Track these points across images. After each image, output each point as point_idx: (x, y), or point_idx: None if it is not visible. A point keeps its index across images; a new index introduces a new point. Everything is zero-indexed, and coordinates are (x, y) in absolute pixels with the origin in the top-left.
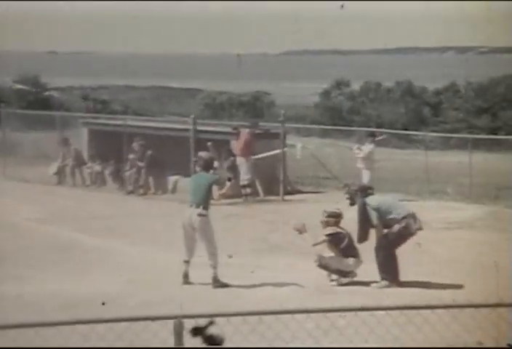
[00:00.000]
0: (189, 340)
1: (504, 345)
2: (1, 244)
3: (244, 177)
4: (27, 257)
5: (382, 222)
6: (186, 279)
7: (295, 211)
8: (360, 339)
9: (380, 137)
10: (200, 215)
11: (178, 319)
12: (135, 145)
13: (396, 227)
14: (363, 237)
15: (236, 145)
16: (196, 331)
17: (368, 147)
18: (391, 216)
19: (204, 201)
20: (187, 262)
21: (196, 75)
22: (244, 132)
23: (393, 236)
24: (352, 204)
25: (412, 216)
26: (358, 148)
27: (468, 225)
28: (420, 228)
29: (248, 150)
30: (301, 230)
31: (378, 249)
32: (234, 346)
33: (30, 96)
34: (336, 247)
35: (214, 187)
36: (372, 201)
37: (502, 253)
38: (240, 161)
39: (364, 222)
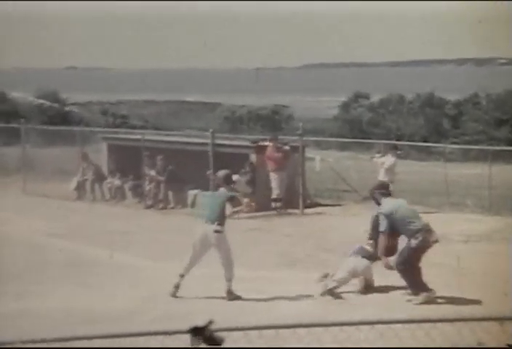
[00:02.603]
0: None
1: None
2: (19, 260)
3: (275, 191)
4: (44, 273)
5: (394, 231)
6: (176, 290)
7: (315, 224)
8: None
9: (399, 152)
10: (216, 231)
11: None
12: (156, 160)
13: (413, 243)
14: (385, 249)
15: (269, 161)
16: (196, 331)
17: (390, 159)
18: (408, 227)
19: (220, 217)
20: (182, 276)
21: (214, 89)
22: (272, 148)
23: (411, 251)
24: (378, 203)
25: (427, 227)
26: (380, 157)
27: (487, 237)
28: (437, 241)
29: (282, 166)
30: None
31: (400, 266)
32: None
33: (50, 111)
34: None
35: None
36: (385, 206)
37: None
38: (271, 176)
39: (376, 232)
